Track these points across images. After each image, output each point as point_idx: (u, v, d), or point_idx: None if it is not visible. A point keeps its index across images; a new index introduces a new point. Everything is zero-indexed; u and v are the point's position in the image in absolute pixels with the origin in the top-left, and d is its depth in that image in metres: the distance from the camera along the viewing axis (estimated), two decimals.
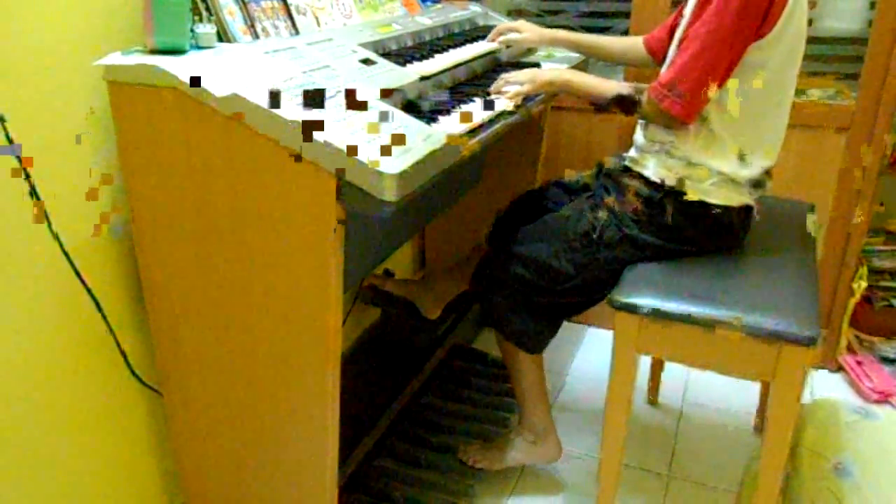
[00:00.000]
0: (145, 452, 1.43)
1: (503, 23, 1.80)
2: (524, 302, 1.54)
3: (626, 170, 1.50)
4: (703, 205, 1.40)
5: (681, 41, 1.35)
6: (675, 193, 1.41)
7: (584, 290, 1.51)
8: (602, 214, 1.48)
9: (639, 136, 1.50)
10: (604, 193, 1.51)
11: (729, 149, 1.38)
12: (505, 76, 1.46)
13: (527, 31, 1.74)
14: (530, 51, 1.92)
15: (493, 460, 1.69)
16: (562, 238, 1.49)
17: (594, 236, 1.46)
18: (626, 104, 1.40)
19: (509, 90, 1.42)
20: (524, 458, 1.69)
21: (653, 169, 1.44)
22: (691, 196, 1.40)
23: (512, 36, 1.74)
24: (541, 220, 1.57)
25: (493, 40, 1.74)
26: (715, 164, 1.38)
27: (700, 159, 1.39)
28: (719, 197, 1.40)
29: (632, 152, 1.52)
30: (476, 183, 2.16)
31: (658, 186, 1.42)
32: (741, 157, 1.38)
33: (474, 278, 1.66)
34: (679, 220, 1.42)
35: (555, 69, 1.49)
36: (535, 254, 1.51)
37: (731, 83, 1.33)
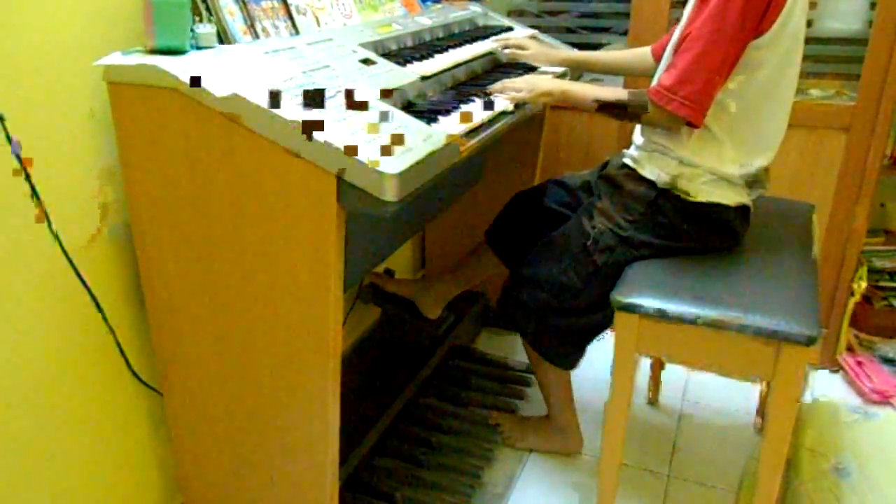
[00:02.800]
0: (145, 452, 1.43)
1: (512, 37, 1.80)
2: (549, 326, 1.56)
3: (624, 167, 1.50)
4: (696, 204, 1.41)
5: (679, 42, 1.34)
6: (669, 192, 1.41)
7: (598, 304, 1.50)
8: (597, 221, 1.48)
9: (637, 135, 1.51)
10: (596, 199, 1.51)
11: (725, 148, 1.38)
12: (504, 82, 1.45)
13: (531, 49, 1.73)
14: None
15: (517, 438, 1.81)
16: (567, 254, 1.51)
17: (589, 244, 1.47)
18: (617, 110, 1.40)
19: (508, 95, 1.42)
20: (546, 444, 1.80)
21: (648, 168, 1.44)
22: (684, 194, 1.40)
23: (517, 52, 1.73)
24: (547, 240, 1.58)
25: (497, 42, 1.73)
26: (708, 164, 1.38)
27: (694, 159, 1.39)
28: (713, 195, 1.40)
29: (631, 150, 1.52)
30: (476, 183, 2.16)
31: (652, 185, 1.42)
32: (737, 157, 1.38)
33: (501, 305, 1.67)
34: (674, 219, 1.42)
35: (553, 80, 1.49)
36: (545, 274, 1.53)
37: (730, 82, 1.33)
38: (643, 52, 1.71)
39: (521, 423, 1.85)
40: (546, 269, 1.53)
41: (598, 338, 1.62)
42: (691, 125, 1.33)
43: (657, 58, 1.68)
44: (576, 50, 1.77)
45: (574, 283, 1.49)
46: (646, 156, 1.45)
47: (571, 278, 1.49)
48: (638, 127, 1.51)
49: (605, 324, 1.58)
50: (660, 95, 1.32)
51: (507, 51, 1.73)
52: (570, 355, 1.62)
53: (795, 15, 1.30)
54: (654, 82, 1.42)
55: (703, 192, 1.40)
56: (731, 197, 1.41)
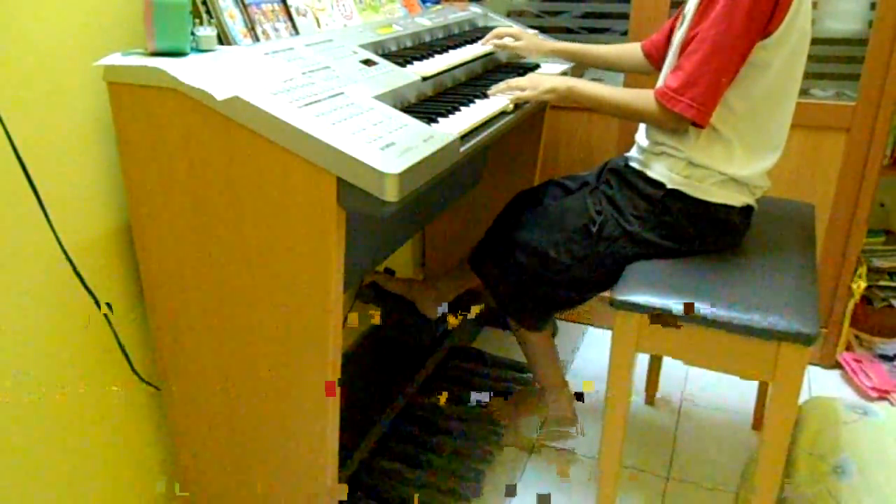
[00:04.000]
0: (146, 450, 1.43)
1: (501, 27, 1.80)
2: (523, 288, 1.57)
3: (629, 168, 1.50)
4: (704, 204, 1.41)
5: (684, 44, 1.35)
6: (677, 193, 1.41)
7: (578, 283, 1.52)
8: (603, 208, 1.48)
9: (641, 136, 1.51)
10: (606, 188, 1.51)
11: (732, 149, 1.38)
12: (508, 81, 1.46)
13: (523, 39, 1.73)
14: None
15: (519, 421, 1.86)
16: (562, 229, 1.51)
17: (593, 229, 1.47)
18: (622, 109, 1.42)
19: (510, 94, 1.43)
20: (543, 412, 1.84)
21: (655, 169, 1.44)
22: (693, 196, 1.40)
23: (507, 42, 1.73)
24: (543, 208, 1.59)
25: (487, 42, 1.73)
26: (717, 165, 1.38)
27: (702, 160, 1.39)
28: (721, 197, 1.40)
29: (634, 152, 1.53)
30: (476, 183, 2.17)
31: (660, 186, 1.43)
32: (744, 157, 1.39)
33: (476, 256, 1.68)
34: (680, 220, 1.42)
35: (557, 77, 1.49)
36: (534, 241, 1.53)
37: (737, 83, 1.33)
38: (634, 48, 1.71)
39: (515, 407, 1.87)
40: (536, 236, 1.53)
41: (565, 311, 1.66)
42: (696, 125, 1.34)
43: (647, 55, 1.68)
44: (567, 42, 1.78)
45: (562, 259, 1.49)
46: (652, 157, 1.45)
47: (560, 253, 1.49)
48: (641, 128, 1.51)
49: (577, 301, 1.60)
50: (667, 97, 1.32)
51: (498, 41, 1.72)
52: (535, 319, 1.64)
53: (801, 15, 1.30)
54: (660, 83, 1.43)
55: (711, 193, 1.40)
56: (737, 198, 1.42)
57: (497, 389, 1.99)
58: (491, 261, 1.62)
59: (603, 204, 1.49)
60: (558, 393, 1.80)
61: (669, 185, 1.42)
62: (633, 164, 1.50)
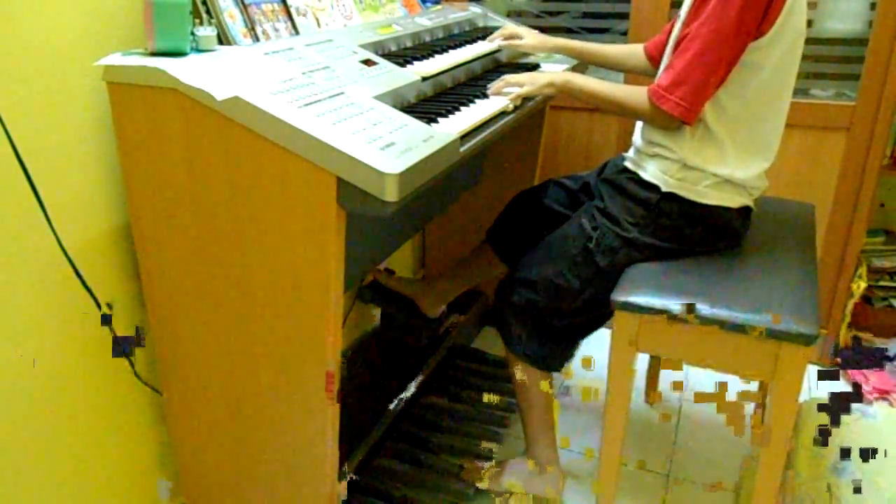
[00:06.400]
0: (146, 451, 1.43)
1: (507, 26, 1.80)
2: (540, 326, 1.54)
3: (625, 171, 1.50)
4: (701, 207, 1.41)
5: (677, 42, 1.35)
6: (673, 196, 1.41)
7: (594, 304, 1.50)
8: (599, 222, 1.47)
9: (637, 137, 1.51)
10: (598, 202, 1.51)
11: (724, 150, 1.38)
12: (506, 77, 1.46)
13: (528, 37, 1.73)
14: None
15: (494, 481, 1.66)
16: (564, 256, 1.50)
17: (591, 245, 1.46)
18: (616, 105, 1.41)
19: (509, 91, 1.43)
20: (524, 485, 1.65)
21: (650, 171, 1.44)
22: (688, 198, 1.40)
23: (513, 42, 1.72)
24: (544, 242, 1.57)
25: (494, 40, 1.73)
26: (710, 167, 1.38)
27: (696, 161, 1.39)
28: (717, 199, 1.40)
29: (630, 153, 1.52)
30: (476, 183, 2.17)
31: (655, 189, 1.43)
32: (737, 159, 1.38)
33: (493, 307, 1.64)
34: (677, 222, 1.42)
35: (555, 71, 1.49)
36: (541, 276, 1.51)
37: (730, 83, 1.33)
38: (637, 49, 1.71)
39: (496, 468, 1.68)
40: (541, 270, 1.51)
41: (586, 338, 1.60)
42: (682, 123, 1.35)
43: (649, 56, 1.68)
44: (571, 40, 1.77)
45: (572, 285, 1.48)
46: (646, 158, 1.45)
47: (569, 280, 1.48)
48: (637, 129, 1.51)
49: (597, 323, 1.58)
50: (657, 95, 1.33)
51: (503, 42, 1.71)
52: (556, 356, 1.57)
53: (795, 15, 1.30)
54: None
55: (707, 195, 1.40)
56: (734, 199, 1.41)
57: (496, 390, 1.99)
58: (502, 303, 1.58)
59: (597, 219, 1.48)
60: (548, 468, 1.63)
61: (664, 189, 1.41)
62: (628, 165, 1.50)
